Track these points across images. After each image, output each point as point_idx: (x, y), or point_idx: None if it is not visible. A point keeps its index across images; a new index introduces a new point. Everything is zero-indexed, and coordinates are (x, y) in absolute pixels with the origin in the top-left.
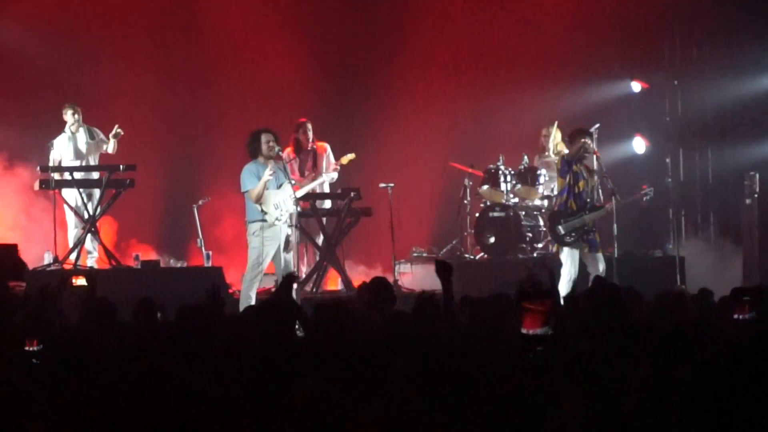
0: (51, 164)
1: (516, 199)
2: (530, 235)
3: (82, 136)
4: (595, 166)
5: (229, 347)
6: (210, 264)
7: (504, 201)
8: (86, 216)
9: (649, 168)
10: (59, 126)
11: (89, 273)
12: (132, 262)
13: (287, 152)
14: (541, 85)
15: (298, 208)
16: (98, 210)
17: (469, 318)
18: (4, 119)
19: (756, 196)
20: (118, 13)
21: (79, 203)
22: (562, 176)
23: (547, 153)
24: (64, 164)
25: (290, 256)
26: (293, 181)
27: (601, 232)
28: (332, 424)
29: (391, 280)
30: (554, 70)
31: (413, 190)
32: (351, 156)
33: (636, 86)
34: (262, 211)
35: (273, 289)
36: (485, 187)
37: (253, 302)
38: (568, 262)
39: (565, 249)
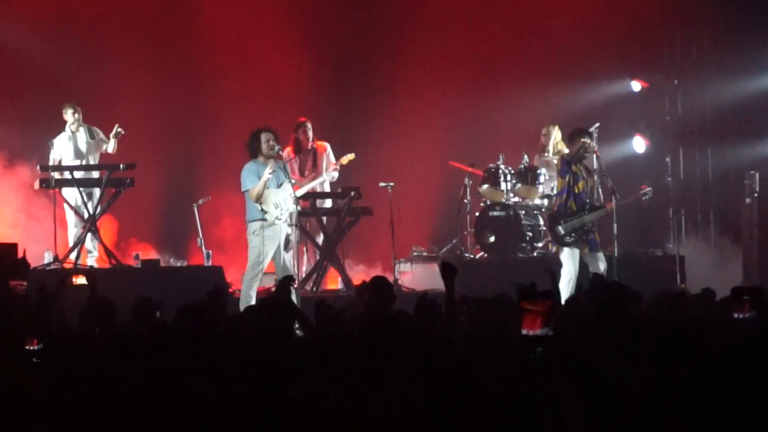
0: (51, 163)
1: (516, 199)
2: (530, 234)
3: (82, 136)
4: (595, 165)
5: (229, 347)
6: (210, 263)
7: (504, 200)
8: (86, 215)
9: (649, 167)
10: (59, 125)
11: (89, 272)
12: (132, 262)
13: (287, 152)
14: (541, 85)
15: (298, 207)
16: (98, 209)
17: (467, 318)
18: (4, 118)
19: (756, 195)
20: (118, 13)
21: (79, 202)
22: (561, 176)
23: (547, 152)
24: (64, 163)
25: (290, 255)
26: (293, 181)
27: (601, 231)
28: (331, 423)
29: (391, 279)
30: (554, 69)
31: (413, 189)
32: (351, 156)
33: (636, 85)
34: (262, 210)
35: (273, 289)
36: (485, 186)
37: (253, 301)
38: (569, 262)
39: (565, 249)
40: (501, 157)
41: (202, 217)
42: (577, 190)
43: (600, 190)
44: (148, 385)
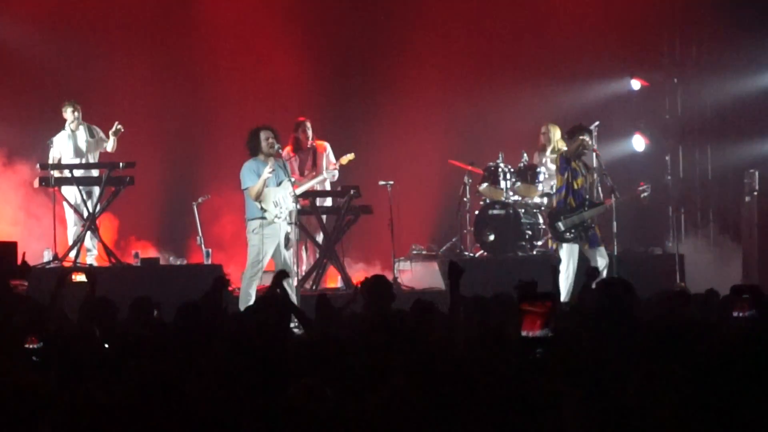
0: (51, 162)
1: (515, 197)
2: (530, 232)
3: (81, 134)
4: (595, 163)
5: (228, 346)
6: (210, 262)
7: (503, 199)
8: (86, 213)
9: (649, 166)
10: (59, 123)
11: (89, 271)
12: (132, 260)
13: (286, 151)
14: (540, 83)
15: (298, 206)
16: (98, 207)
17: (466, 317)
18: (3, 116)
19: (755, 193)
20: (118, 12)
21: (79, 201)
22: (560, 173)
23: (546, 151)
24: (63, 162)
25: (290, 254)
26: (293, 179)
27: (601, 229)
28: (330, 423)
29: (390, 277)
30: (554, 67)
31: (413, 187)
32: (350, 156)
33: (636, 84)
34: (262, 208)
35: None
36: (485, 184)
37: (252, 300)
38: (568, 258)
39: (565, 245)
40: (500, 155)
41: (201, 215)
42: (575, 186)
43: (600, 188)
44: (148, 385)
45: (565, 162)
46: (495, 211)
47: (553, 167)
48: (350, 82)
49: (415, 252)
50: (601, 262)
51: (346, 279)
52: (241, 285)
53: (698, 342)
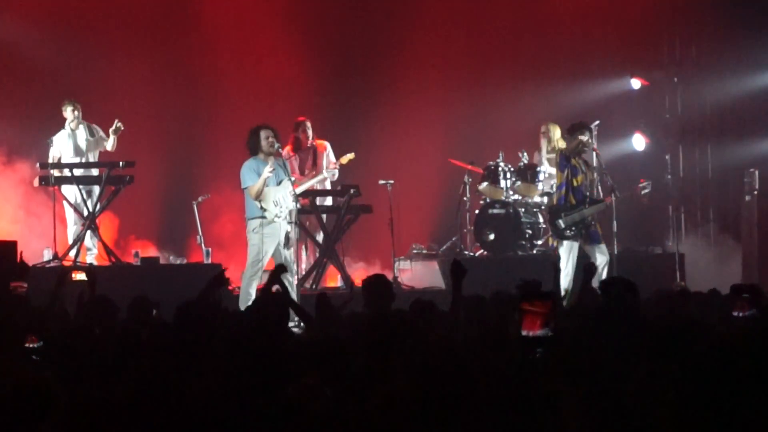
0: (51, 161)
1: (516, 196)
2: (530, 232)
3: (81, 133)
4: (595, 163)
5: (226, 345)
6: (210, 261)
7: (503, 198)
8: (86, 213)
9: (649, 165)
10: (59, 122)
11: (89, 269)
12: (132, 259)
13: (286, 150)
14: (540, 82)
15: (298, 205)
16: (98, 207)
17: (466, 316)
18: (3, 115)
19: (755, 193)
20: (117, 10)
21: (79, 200)
22: (560, 170)
23: (543, 150)
24: (63, 161)
25: (290, 253)
26: (293, 178)
27: (602, 228)
28: (329, 423)
29: (390, 277)
30: (554, 67)
31: (413, 187)
32: (350, 156)
33: (636, 83)
34: (262, 207)
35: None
36: (485, 184)
37: (252, 299)
38: (567, 256)
39: (565, 243)
40: (500, 154)
41: (201, 214)
42: (575, 183)
43: (600, 187)
44: (146, 384)
45: (564, 159)
46: (495, 211)
47: (547, 166)
48: (350, 81)
49: (415, 251)
50: (602, 259)
51: (345, 278)
52: (241, 284)
53: (698, 342)
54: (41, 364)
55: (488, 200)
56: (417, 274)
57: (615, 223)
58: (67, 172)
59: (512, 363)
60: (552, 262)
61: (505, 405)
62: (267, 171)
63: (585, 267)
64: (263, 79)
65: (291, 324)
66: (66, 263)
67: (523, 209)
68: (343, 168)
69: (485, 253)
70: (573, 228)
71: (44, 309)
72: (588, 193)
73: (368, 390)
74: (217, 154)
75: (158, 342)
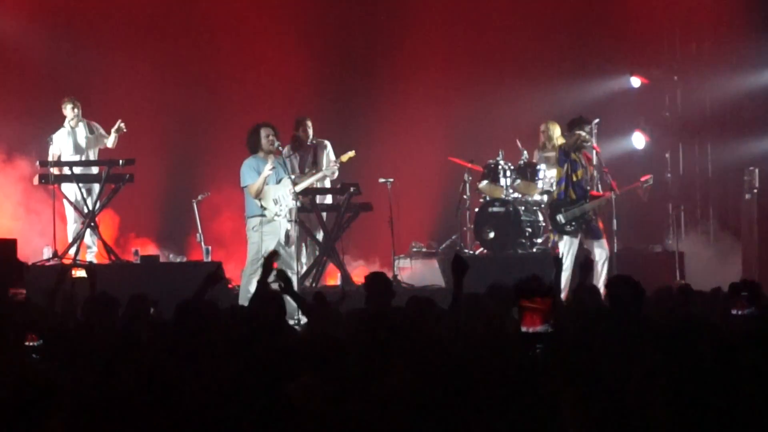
0: (50, 159)
1: (515, 195)
2: (530, 230)
3: (81, 131)
4: (595, 161)
5: (224, 343)
6: (209, 259)
7: (503, 196)
8: (86, 211)
9: (649, 163)
10: (58, 120)
11: (89, 267)
12: (131, 257)
13: (286, 149)
14: (540, 80)
15: (298, 203)
16: (98, 205)
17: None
18: (3, 112)
19: (755, 191)
20: (117, 8)
21: (79, 198)
22: (560, 165)
23: (546, 148)
24: (63, 159)
25: (292, 251)
26: (293, 177)
27: (603, 224)
28: (328, 421)
29: (390, 275)
30: (554, 65)
31: (413, 185)
32: (351, 153)
33: (635, 81)
34: (262, 206)
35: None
36: (485, 182)
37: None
38: (567, 251)
39: (565, 238)
40: (500, 153)
41: (201, 212)
42: (575, 178)
43: (600, 186)
44: (146, 381)
45: (563, 154)
46: (495, 209)
47: (544, 167)
48: (350, 79)
49: (415, 249)
50: (602, 254)
51: (345, 276)
52: (241, 282)
53: (699, 341)
54: (42, 361)
55: (488, 198)
56: (417, 272)
57: (615, 221)
58: (67, 171)
59: (512, 360)
60: (554, 257)
61: (505, 404)
62: (267, 169)
63: (582, 264)
64: (263, 76)
65: (291, 322)
66: (66, 261)
67: (523, 207)
68: (343, 166)
69: (485, 251)
70: (573, 223)
71: (44, 307)
72: (589, 188)
73: (367, 388)
74: (217, 153)
75: (157, 340)
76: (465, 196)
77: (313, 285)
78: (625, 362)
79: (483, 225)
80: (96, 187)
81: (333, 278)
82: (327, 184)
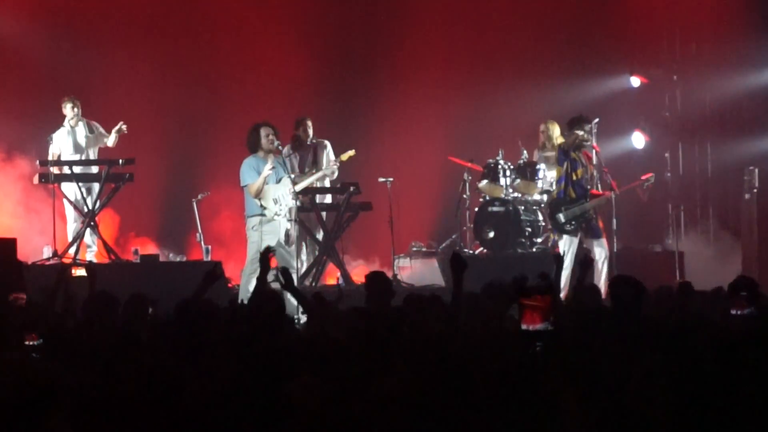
0: (50, 158)
1: (515, 194)
2: (529, 229)
3: (81, 130)
4: (594, 161)
5: (224, 342)
6: (209, 258)
7: (503, 196)
8: (85, 210)
9: (649, 163)
10: (58, 119)
11: (89, 266)
12: (131, 257)
13: (287, 148)
14: (540, 80)
15: (298, 203)
16: (97, 204)
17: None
18: (3, 111)
19: (755, 190)
20: (117, 7)
21: (79, 197)
22: (559, 164)
23: (546, 148)
24: (63, 158)
25: (292, 250)
26: (292, 176)
27: (603, 223)
28: (328, 420)
29: (390, 274)
30: (554, 64)
31: (412, 184)
32: (351, 152)
33: (635, 81)
34: (261, 205)
35: (272, 283)
36: (484, 181)
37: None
38: (567, 250)
39: (565, 237)
40: (500, 152)
41: (201, 212)
42: (575, 177)
43: (600, 185)
44: (146, 381)
45: (562, 153)
46: (495, 208)
47: (543, 166)
48: (350, 79)
49: (414, 249)
50: (602, 253)
51: (345, 276)
52: (241, 282)
53: (698, 340)
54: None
55: (488, 198)
56: (416, 271)
57: (615, 220)
58: (66, 170)
59: (511, 359)
60: (554, 255)
61: (505, 403)
62: (267, 169)
63: (581, 261)
64: (263, 76)
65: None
66: (66, 261)
67: (522, 207)
68: (342, 166)
69: (485, 250)
70: (573, 222)
71: (44, 306)
72: (589, 187)
73: (367, 388)
74: (216, 152)
75: (157, 340)
76: (465, 196)
77: (313, 284)
78: (625, 362)
79: (483, 224)
80: (96, 187)
81: (333, 277)
82: (326, 184)
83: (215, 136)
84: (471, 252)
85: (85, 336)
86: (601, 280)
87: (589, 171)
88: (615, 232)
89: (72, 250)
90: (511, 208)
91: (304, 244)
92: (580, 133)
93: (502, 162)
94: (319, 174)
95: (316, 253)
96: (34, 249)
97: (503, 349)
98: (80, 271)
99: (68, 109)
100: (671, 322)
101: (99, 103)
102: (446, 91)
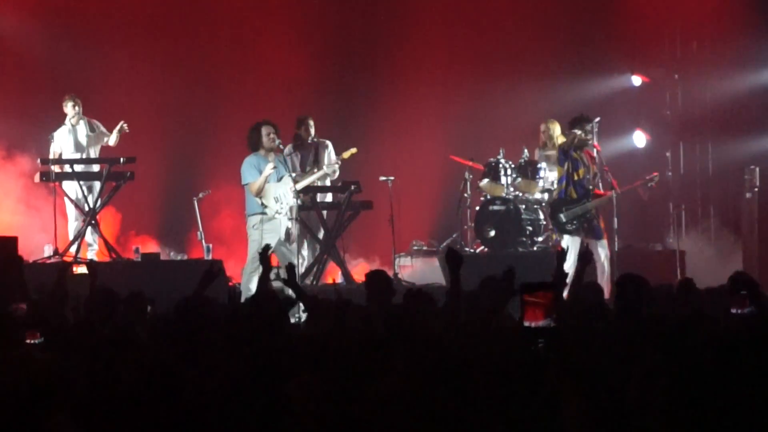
0: (51, 157)
1: (516, 193)
2: (530, 228)
3: (82, 129)
4: (596, 159)
5: (224, 341)
6: (210, 257)
7: (504, 194)
8: (86, 209)
9: (650, 162)
10: (59, 117)
11: (90, 264)
12: (132, 255)
13: (288, 147)
14: (541, 79)
15: (299, 201)
16: (98, 202)
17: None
18: (2, 108)
19: (756, 189)
20: (118, 6)
21: (80, 196)
22: (560, 165)
23: (548, 147)
24: (64, 157)
25: (293, 248)
26: (293, 175)
27: (604, 223)
28: (328, 418)
29: (391, 273)
30: (555, 63)
31: (413, 183)
32: (353, 150)
33: (636, 80)
34: (262, 204)
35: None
36: (485, 180)
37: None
38: (570, 250)
39: (566, 237)
40: (501, 151)
41: (202, 210)
42: (576, 177)
43: (601, 184)
44: (146, 379)
45: (562, 153)
46: (496, 207)
47: (545, 165)
48: (351, 78)
49: (415, 248)
50: (603, 254)
51: (346, 274)
52: (242, 280)
53: (699, 339)
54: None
55: (489, 197)
56: (417, 270)
57: (616, 219)
58: (67, 168)
59: (510, 356)
60: (556, 252)
61: (506, 401)
62: (269, 169)
63: (580, 255)
64: (264, 74)
65: (292, 320)
66: (67, 259)
67: (523, 206)
68: (343, 164)
69: (486, 249)
70: (574, 222)
71: (45, 305)
72: (591, 187)
73: (367, 387)
74: (217, 150)
75: (156, 338)
76: (466, 195)
77: (314, 282)
78: (627, 360)
79: (484, 223)
80: (97, 185)
81: (333, 276)
82: (327, 183)
83: (216, 134)
84: (472, 251)
85: (86, 334)
86: (603, 280)
87: (591, 171)
88: (616, 231)
89: (73, 249)
90: (512, 206)
91: (305, 241)
92: (578, 132)
93: (503, 161)
94: (320, 173)
95: (317, 251)
96: (35, 247)
97: (503, 346)
98: (81, 269)
99: (69, 108)
100: (672, 320)
101: (100, 101)
102: (447, 90)
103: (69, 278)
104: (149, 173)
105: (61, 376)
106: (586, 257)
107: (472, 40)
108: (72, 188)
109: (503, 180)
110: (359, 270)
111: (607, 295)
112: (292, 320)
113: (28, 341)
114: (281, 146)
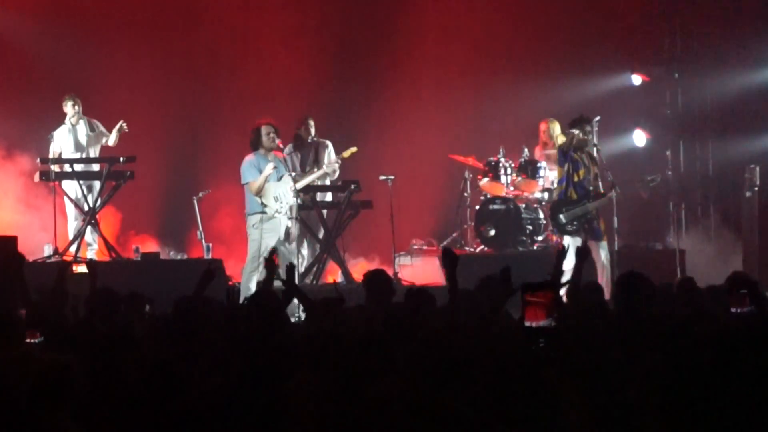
0: (51, 156)
1: (516, 192)
2: (530, 227)
3: (82, 128)
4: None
5: (224, 340)
6: (210, 256)
7: (504, 194)
8: (86, 208)
9: (650, 161)
10: (59, 117)
11: (90, 264)
12: (132, 255)
13: (289, 147)
14: (541, 78)
15: (299, 201)
16: (98, 202)
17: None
18: (2, 108)
19: (756, 188)
20: (119, 5)
21: (80, 195)
22: (560, 165)
23: (547, 146)
24: (64, 156)
25: (292, 248)
26: (293, 174)
27: (604, 223)
28: (328, 418)
29: (390, 272)
30: (555, 62)
31: (413, 182)
32: (353, 149)
33: (636, 79)
34: (262, 203)
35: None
36: (485, 179)
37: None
38: (570, 251)
39: (567, 237)
40: (501, 150)
41: (202, 209)
42: (576, 178)
43: (601, 184)
44: (146, 378)
45: (562, 154)
46: (495, 206)
47: (545, 164)
48: (351, 77)
49: (415, 247)
50: (603, 255)
51: (346, 274)
52: (242, 279)
53: (699, 338)
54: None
55: (489, 196)
56: (417, 269)
57: (616, 219)
58: (67, 168)
59: (509, 354)
60: (557, 250)
61: (507, 400)
62: (269, 168)
63: (578, 251)
64: (265, 74)
65: (292, 319)
66: (66, 258)
67: (523, 205)
68: (343, 163)
69: (486, 248)
70: (575, 222)
71: (45, 304)
72: (591, 188)
73: (367, 386)
74: (217, 150)
75: (155, 338)
76: (465, 194)
77: (314, 282)
78: (627, 359)
79: (483, 222)
80: (96, 185)
81: (333, 275)
82: (327, 182)
83: (216, 134)
84: (472, 250)
85: (86, 334)
86: (604, 281)
87: (592, 171)
88: (616, 230)
89: (73, 248)
90: (512, 206)
91: (305, 240)
92: (576, 132)
93: (503, 160)
94: (320, 172)
95: (317, 250)
96: (35, 247)
97: (503, 346)
98: (81, 268)
99: (69, 107)
100: (673, 319)
101: (99, 101)
102: (447, 89)
103: (69, 278)
104: (149, 173)
105: (61, 375)
106: (584, 252)
107: (472, 40)
108: (72, 188)
109: (503, 179)
110: (359, 269)
111: (607, 295)
112: (292, 320)
113: (28, 341)
114: (281, 146)
